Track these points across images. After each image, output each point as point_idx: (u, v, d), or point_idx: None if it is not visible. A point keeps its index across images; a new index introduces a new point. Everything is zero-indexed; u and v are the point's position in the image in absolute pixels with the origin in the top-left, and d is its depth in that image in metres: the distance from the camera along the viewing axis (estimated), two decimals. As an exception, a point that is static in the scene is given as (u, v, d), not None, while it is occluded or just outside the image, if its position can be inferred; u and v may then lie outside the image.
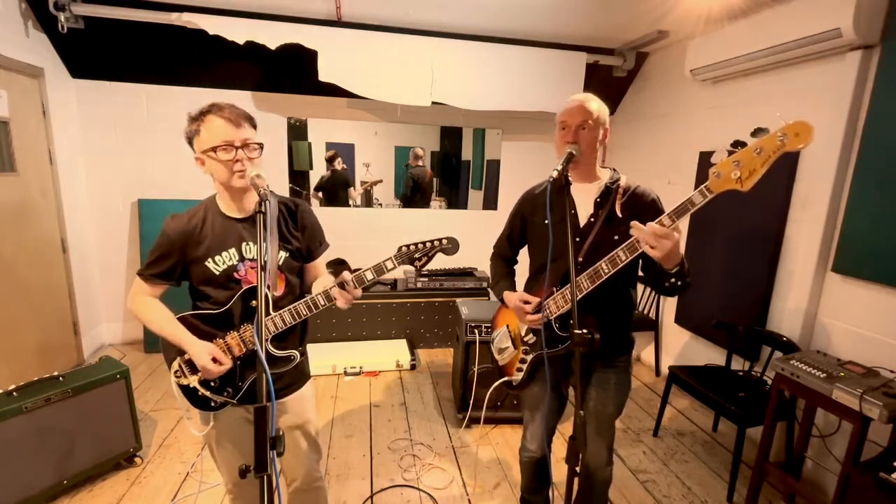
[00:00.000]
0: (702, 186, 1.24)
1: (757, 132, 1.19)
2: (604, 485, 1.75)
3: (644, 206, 1.54)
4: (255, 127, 1.33)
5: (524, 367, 1.69)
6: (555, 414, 1.75)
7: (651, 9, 2.81)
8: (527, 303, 1.60)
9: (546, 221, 1.55)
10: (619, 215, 1.52)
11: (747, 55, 2.61)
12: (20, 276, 2.86)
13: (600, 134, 1.52)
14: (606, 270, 1.41)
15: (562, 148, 1.51)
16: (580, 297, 1.49)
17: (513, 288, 1.75)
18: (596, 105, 1.51)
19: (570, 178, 1.41)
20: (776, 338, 2.43)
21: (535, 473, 1.88)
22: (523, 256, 1.81)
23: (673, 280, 1.37)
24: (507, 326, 1.77)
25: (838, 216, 2.26)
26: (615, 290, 1.52)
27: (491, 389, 2.00)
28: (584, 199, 1.56)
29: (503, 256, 1.85)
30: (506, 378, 1.79)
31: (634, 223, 1.30)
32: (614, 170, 1.62)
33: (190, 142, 1.32)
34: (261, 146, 1.32)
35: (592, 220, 1.54)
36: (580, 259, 1.50)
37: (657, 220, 1.29)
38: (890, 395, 1.67)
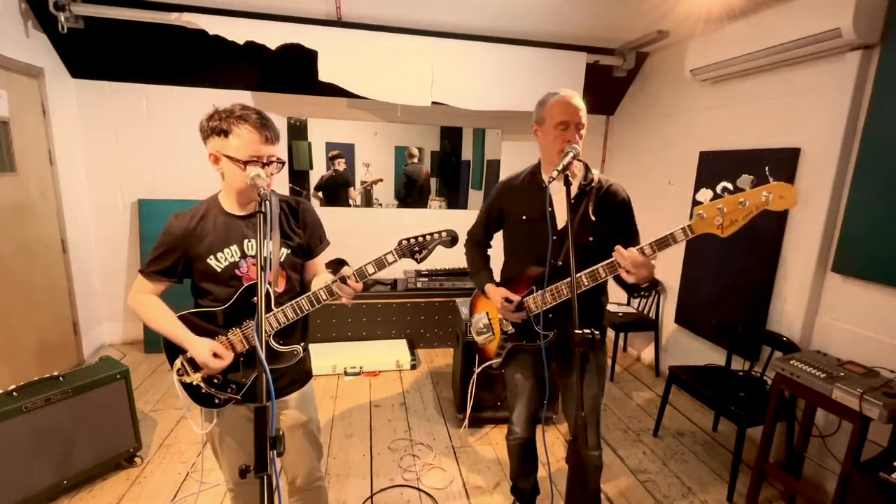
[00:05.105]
0: (685, 225, 1.28)
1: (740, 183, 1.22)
2: (597, 471, 1.76)
3: (614, 208, 1.57)
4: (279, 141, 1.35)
5: (503, 352, 1.77)
6: (537, 399, 1.79)
7: (651, 9, 2.81)
8: (509, 300, 1.63)
9: (524, 217, 1.58)
10: (592, 218, 1.54)
11: (747, 55, 2.61)
12: (20, 276, 2.85)
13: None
14: (586, 284, 1.46)
15: (556, 147, 1.50)
16: (557, 303, 1.54)
17: (492, 279, 1.78)
18: (583, 103, 1.54)
19: (570, 179, 1.40)
20: (776, 338, 2.43)
21: (522, 456, 1.91)
22: (496, 242, 1.86)
23: (642, 293, 1.42)
24: (487, 314, 1.84)
25: (838, 216, 2.26)
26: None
27: (477, 371, 2.04)
28: (560, 198, 1.54)
29: (479, 243, 1.89)
30: (487, 362, 1.86)
31: (617, 249, 1.34)
32: (587, 165, 1.61)
33: (205, 135, 1.28)
34: (283, 163, 1.34)
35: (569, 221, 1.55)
36: (559, 263, 1.53)
37: (638, 248, 1.32)
38: (890, 395, 1.67)
